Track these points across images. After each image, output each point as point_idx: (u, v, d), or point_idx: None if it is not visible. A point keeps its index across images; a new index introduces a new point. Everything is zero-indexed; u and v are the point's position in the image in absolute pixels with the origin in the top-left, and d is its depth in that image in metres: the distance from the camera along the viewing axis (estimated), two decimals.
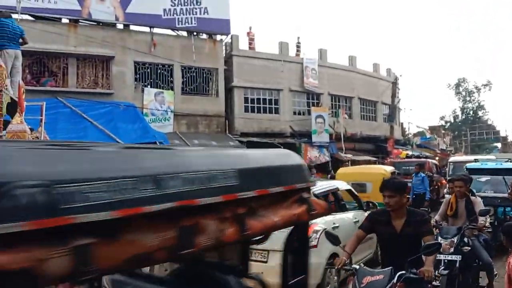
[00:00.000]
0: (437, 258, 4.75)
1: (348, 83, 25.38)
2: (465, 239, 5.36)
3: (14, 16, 11.56)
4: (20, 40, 8.29)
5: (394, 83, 28.30)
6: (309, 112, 23.36)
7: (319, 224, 5.52)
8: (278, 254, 4.05)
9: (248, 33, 23.34)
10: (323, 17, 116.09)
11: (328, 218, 5.76)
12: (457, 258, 5.06)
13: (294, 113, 23.33)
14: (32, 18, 16.96)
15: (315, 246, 5.39)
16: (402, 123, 35.84)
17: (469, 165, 10.24)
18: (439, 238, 5.14)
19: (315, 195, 4.68)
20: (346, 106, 25.62)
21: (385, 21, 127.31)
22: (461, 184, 5.83)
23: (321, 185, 6.50)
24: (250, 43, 23.05)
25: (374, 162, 24.37)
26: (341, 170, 11.81)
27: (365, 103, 27.15)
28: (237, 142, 19.78)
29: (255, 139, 20.89)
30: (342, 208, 7.03)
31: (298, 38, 24.43)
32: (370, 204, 7.53)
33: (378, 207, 7.27)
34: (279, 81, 22.41)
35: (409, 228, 3.62)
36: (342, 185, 7.63)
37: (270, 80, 22.03)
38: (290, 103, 23.11)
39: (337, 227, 6.06)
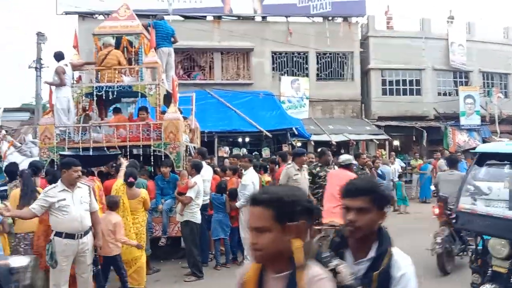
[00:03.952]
0: None
1: (502, 58, 22.50)
2: None
3: (167, 17, 13.07)
4: (172, 39, 9.41)
5: None
6: (456, 92, 21.40)
7: None
8: None
9: (386, 12, 22.33)
10: None
11: None
12: None
13: (439, 93, 21.63)
14: (181, 18, 18.90)
15: None
16: None
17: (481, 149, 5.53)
18: None
19: None
20: (501, 84, 22.84)
21: None
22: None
23: None
24: (388, 22, 22.03)
25: None
26: None
27: None
28: (374, 127, 19.25)
29: (394, 123, 20.05)
30: None
31: (451, 11, 22.29)
32: None
33: None
34: (420, 60, 20.96)
35: None
36: None
37: (411, 60, 20.75)
38: (434, 83, 21.46)
39: None
